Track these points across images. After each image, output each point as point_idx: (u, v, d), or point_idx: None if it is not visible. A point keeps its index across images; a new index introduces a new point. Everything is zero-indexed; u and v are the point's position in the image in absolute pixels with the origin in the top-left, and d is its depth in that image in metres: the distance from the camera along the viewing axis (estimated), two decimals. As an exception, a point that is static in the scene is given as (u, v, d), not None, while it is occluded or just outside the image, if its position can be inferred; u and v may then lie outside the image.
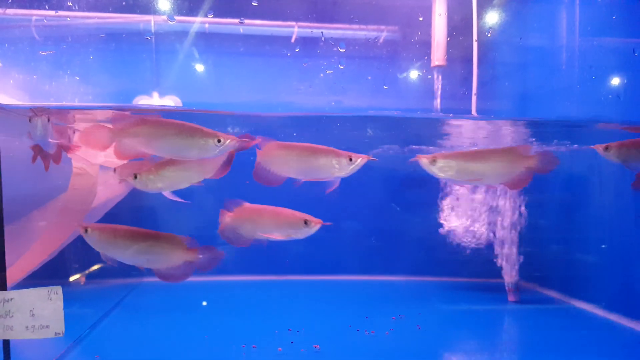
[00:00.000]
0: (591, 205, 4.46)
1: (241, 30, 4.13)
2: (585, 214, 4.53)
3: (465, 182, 2.84)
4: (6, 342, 2.41)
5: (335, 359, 3.05)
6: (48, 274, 3.83)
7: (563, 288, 4.68)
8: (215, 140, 2.53)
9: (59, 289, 2.42)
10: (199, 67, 4.34)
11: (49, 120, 2.66)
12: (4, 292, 2.40)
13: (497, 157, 2.79)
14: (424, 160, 2.73)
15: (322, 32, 3.53)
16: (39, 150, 2.81)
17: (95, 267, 4.55)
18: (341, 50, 3.44)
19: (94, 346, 3.21)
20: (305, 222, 2.72)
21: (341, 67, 3.49)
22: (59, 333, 2.42)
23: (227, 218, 2.80)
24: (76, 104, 3.20)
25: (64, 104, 3.15)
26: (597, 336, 3.68)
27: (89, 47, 3.64)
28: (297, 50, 3.62)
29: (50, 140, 2.72)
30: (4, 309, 2.39)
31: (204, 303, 4.41)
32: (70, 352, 3.07)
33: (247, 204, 2.80)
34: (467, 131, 4.38)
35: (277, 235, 2.76)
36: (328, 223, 2.71)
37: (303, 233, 2.77)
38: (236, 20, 4.16)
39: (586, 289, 4.41)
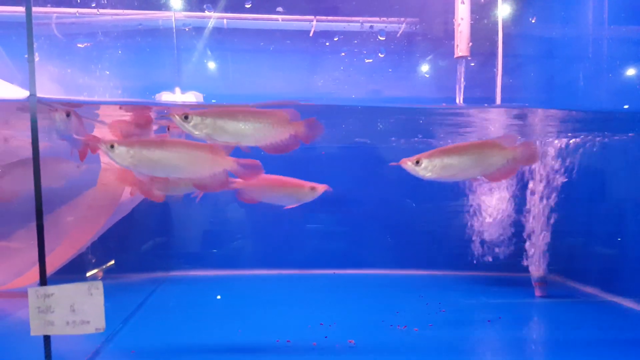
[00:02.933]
0: (623, 197, 4.36)
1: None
2: (615, 206, 4.44)
3: (450, 179, 2.76)
4: (47, 339, 2.40)
5: (372, 355, 3.01)
6: (66, 269, 3.85)
7: (592, 282, 4.60)
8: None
9: (99, 284, 2.41)
10: (223, 63, 4.32)
11: (68, 115, 2.62)
12: (45, 287, 2.39)
13: (479, 150, 2.71)
14: (408, 164, 2.66)
15: (360, 23, 3.48)
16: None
17: (111, 262, 4.59)
18: (381, 38, 3.39)
19: (128, 341, 3.20)
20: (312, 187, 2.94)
21: (381, 56, 3.43)
22: (99, 328, 2.41)
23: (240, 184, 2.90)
24: (107, 99, 3.19)
25: (95, 99, 3.13)
26: (631, 330, 3.61)
27: (117, 41, 3.63)
28: (335, 40, 3.57)
29: (74, 135, 2.69)
30: (45, 305, 2.39)
31: (218, 297, 4.41)
32: (106, 347, 3.06)
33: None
34: (491, 122, 4.31)
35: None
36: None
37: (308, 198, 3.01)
38: (252, 16, 4.14)
39: (617, 282, 4.32)
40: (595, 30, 4.21)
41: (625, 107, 3.79)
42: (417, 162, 2.65)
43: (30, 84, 2.41)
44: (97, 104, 2.97)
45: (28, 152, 2.27)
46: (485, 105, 3.96)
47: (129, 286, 4.67)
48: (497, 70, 4.33)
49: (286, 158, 2.74)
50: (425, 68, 4.94)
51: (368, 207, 5.12)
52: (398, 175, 5.18)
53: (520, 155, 2.71)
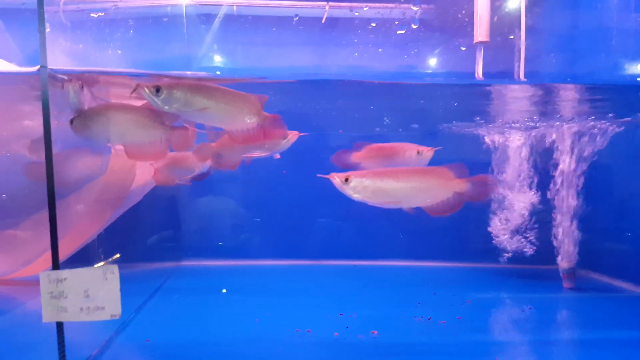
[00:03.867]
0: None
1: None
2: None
3: (383, 205, 2.55)
4: (60, 325, 2.28)
5: (395, 346, 2.88)
6: (74, 259, 3.73)
7: (623, 275, 4.44)
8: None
9: (115, 268, 2.28)
10: (232, 48, 4.19)
11: (82, 87, 2.50)
12: (57, 271, 2.27)
13: (420, 178, 2.47)
14: (336, 179, 2.46)
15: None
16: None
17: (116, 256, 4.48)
18: (414, 8, 3.24)
19: (142, 329, 3.08)
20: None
21: (414, 27, 3.28)
22: (115, 315, 2.28)
23: (213, 147, 2.79)
24: (122, 69, 3.07)
25: (109, 69, 3.01)
26: None
27: (128, 20, 3.51)
28: (356, 14, 3.43)
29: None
30: (58, 290, 2.26)
31: (224, 290, 4.28)
32: (119, 335, 2.95)
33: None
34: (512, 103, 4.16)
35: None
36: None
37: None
38: (263, 2, 4.02)
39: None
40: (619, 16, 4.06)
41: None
42: (346, 180, 2.45)
43: (42, 55, 2.28)
44: (111, 75, 2.85)
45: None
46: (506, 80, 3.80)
47: (140, 275, 4.54)
48: (521, 45, 4.13)
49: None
50: (441, 55, 4.80)
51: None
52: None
53: (468, 190, 2.49)
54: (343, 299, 3.92)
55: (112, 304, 2.30)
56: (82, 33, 2.98)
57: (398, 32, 3.32)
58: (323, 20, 4.25)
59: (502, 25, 4.28)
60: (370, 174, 2.48)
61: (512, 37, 4.21)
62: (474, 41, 4.30)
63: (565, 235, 4.13)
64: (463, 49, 4.54)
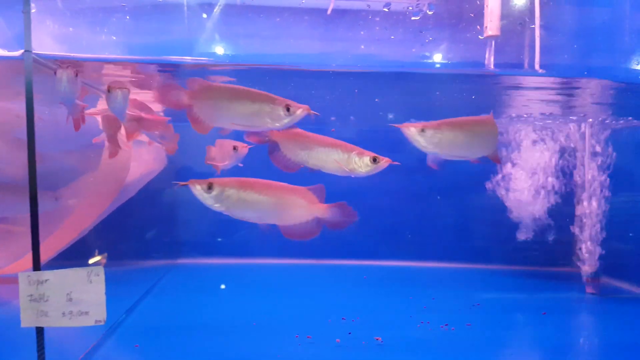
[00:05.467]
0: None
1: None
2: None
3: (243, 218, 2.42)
4: (40, 331, 2.11)
5: (402, 354, 2.70)
6: (67, 254, 3.57)
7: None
8: (284, 108, 2.23)
9: (100, 270, 2.11)
10: (234, 40, 4.02)
11: (76, 75, 2.32)
12: (38, 272, 2.09)
13: (277, 195, 2.34)
14: (197, 189, 2.27)
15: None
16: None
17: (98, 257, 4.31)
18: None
19: (132, 333, 2.91)
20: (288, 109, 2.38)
21: (430, 13, 3.10)
22: (99, 321, 2.12)
23: (186, 97, 2.43)
24: (116, 56, 2.88)
25: (105, 55, 2.83)
26: None
27: (124, 6, 3.32)
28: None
29: (76, 100, 2.39)
30: (38, 292, 2.09)
31: (222, 286, 4.11)
32: (107, 340, 2.77)
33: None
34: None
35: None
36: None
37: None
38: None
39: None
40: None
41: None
42: (209, 188, 2.27)
43: (26, 39, 2.11)
44: (103, 62, 2.67)
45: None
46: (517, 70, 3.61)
47: (134, 274, 4.39)
48: (536, 37, 3.92)
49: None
50: (451, 49, 4.61)
51: (393, 195, 4.79)
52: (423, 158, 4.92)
53: (328, 215, 2.35)
54: (346, 301, 3.75)
55: (96, 308, 2.13)
56: (73, 16, 2.78)
57: (412, 18, 3.12)
58: (328, 12, 4.07)
59: (513, 18, 4.09)
60: (234, 182, 2.31)
61: (523, 29, 4.04)
62: (484, 35, 4.12)
63: (589, 240, 3.95)
64: (481, 37, 4.33)
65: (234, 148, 2.77)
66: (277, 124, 2.28)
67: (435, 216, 4.90)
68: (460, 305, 3.60)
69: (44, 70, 2.42)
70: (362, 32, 3.52)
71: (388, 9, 3.07)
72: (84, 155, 3.75)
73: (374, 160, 2.36)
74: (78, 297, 2.10)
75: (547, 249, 4.22)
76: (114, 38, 3.15)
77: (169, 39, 3.64)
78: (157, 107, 4.03)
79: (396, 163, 2.38)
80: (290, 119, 2.26)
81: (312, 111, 2.27)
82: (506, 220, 4.25)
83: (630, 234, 4.36)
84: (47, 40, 2.62)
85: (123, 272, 4.33)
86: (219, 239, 4.92)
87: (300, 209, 2.35)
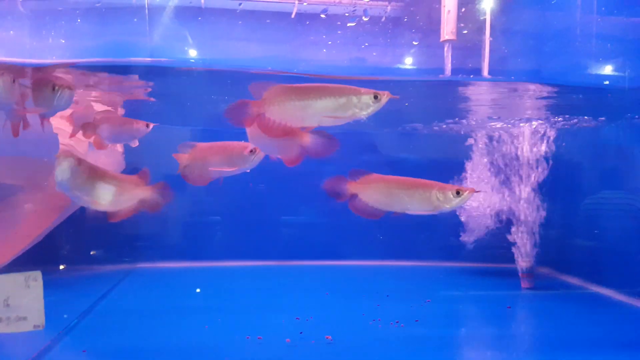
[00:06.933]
0: (613, 187, 4.17)
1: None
2: (603, 196, 4.25)
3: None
4: (-24, 337, 2.09)
5: (350, 352, 2.75)
6: (30, 259, 3.52)
7: (581, 273, 4.42)
8: (372, 96, 2.23)
9: (38, 275, 2.09)
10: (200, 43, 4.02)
11: (13, 81, 2.29)
12: (-27, 278, 2.07)
13: (105, 180, 2.45)
14: None
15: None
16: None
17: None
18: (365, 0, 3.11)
19: (81, 339, 2.89)
20: (251, 151, 2.51)
21: (365, 19, 3.14)
22: (38, 326, 2.10)
23: (183, 159, 2.63)
24: (62, 60, 2.85)
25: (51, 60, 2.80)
26: (619, 322, 3.44)
27: (76, 9, 3.28)
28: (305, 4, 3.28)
29: (14, 105, 2.36)
30: (-26, 298, 2.07)
31: (197, 290, 4.10)
32: (55, 345, 2.74)
33: (200, 144, 2.64)
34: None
35: (227, 168, 2.55)
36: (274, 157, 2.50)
37: (250, 162, 2.55)
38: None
39: (607, 274, 4.13)
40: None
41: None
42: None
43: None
44: (48, 66, 2.65)
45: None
46: (472, 76, 3.70)
47: (92, 278, 4.34)
48: (485, 44, 4.02)
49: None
50: (411, 54, 4.69)
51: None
52: (376, 162, 5.00)
53: (150, 197, 2.49)
54: (303, 301, 3.79)
55: (35, 313, 2.11)
56: (14, 20, 2.75)
57: (348, 24, 3.17)
58: (293, 15, 4.10)
59: (470, 23, 4.18)
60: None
61: (479, 34, 4.13)
62: (441, 39, 4.20)
63: (524, 235, 4.06)
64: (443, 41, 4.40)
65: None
66: (364, 113, 2.28)
67: (390, 216, 4.97)
68: (412, 302, 3.66)
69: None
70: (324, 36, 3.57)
71: (325, 14, 3.11)
72: (37, 160, 3.70)
73: (457, 193, 2.38)
74: (15, 303, 2.08)
75: (492, 247, 4.32)
76: (63, 41, 3.12)
77: (128, 40, 3.61)
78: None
79: (479, 191, 2.38)
80: (377, 106, 2.26)
81: (393, 95, 2.27)
82: (455, 219, 4.34)
83: (568, 228, 4.54)
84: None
85: (80, 277, 4.29)
86: (186, 240, 4.91)
87: (127, 194, 2.48)
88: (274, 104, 2.26)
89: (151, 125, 3.33)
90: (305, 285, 4.36)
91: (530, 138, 4.08)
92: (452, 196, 2.38)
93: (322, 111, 2.28)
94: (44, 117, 2.55)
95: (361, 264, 5.00)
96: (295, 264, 4.93)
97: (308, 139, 2.36)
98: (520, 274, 4.15)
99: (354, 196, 2.52)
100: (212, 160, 2.61)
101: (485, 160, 4.24)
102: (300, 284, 4.39)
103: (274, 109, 2.27)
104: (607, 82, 3.61)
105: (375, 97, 2.25)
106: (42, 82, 2.46)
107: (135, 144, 3.44)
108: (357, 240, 5.00)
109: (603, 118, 4.22)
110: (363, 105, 2.26)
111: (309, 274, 4.74)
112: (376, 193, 2.52)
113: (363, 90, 2.27)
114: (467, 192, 2.38)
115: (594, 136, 4.54)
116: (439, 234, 4.82)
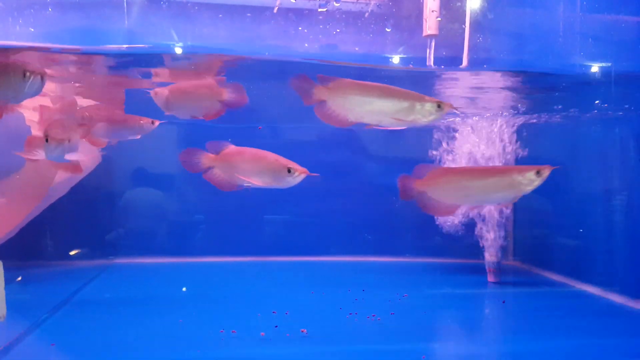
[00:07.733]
0: (586, 182, 4.20)
1: None
2: (581, 192, 4.28)
3: None
4: (-63, 329, 2.03)
5: (325, 344, 2.72)
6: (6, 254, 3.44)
7: (556, 269, 4.47)
8: (435, 105, 2.27)
9: (-1, 266, 2.04)
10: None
11: None
12: None
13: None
14: None
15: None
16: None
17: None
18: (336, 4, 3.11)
19: (51, 332, 2.84)
20: (289, 170, 2.41)
21: (337, 5, 3.12)
22: (0, 317, 2.05)
23: (208, 160, 2.55)
24: (33, 43, 2.79)
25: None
26: (583, 314, 3.50)
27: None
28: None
29: None
30: None
31: (184, 289, 4.05)
32: (23, 339, 2.69)
33: (231, 146, 2.56)
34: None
35: (256, 181, 2.40)
36: (314, 174, 2.44)
37: (285, 182, 2.44)
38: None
39: (578, 268, 4.20)
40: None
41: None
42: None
43: None
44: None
45: None
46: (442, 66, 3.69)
47: (66, 273, 4.27)
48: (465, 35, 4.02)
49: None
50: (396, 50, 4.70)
51: (326, 192, 4.82)
52: (355, 157, 4.99)
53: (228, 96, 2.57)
54: (281, 296, 3.76)
55: (-3, 304, 2.06)
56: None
57: (319, 9, 3.15)
58: (275, 10, 4.06)
59: (451, 19, 4.18)
60: None
61: (459, 28, 4.12)
62: (424, 34, 4.20)
63: (491, 230, 4.08)
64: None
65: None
66: (425, 120, 2.31)
67: (367, 212, 4.98)
68: (390, 297, 3.65)
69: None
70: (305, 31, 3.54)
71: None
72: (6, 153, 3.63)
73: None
74: (-23, 294, 2.03)
75: (465, 242, 4.33)
76: (32, 30, 3.05)
77: (104, 27, 3.54)
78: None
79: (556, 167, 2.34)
80: (438, 115, 2.30)
81: (454, 106, 2.30)
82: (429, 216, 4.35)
83: (538, 224, 4.58)
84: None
85: (54, 272, 4.22)
86: (165, 235, 4.86)
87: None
88: (338, 95, 2.32)
89: (157, 123, 3.28)
90: (285, 280, 4.33)
91: (501, 132, 4.08)
92: (533, 176, 2.29)
93: (383, 111, 2.32)
94: (7, 104, 2.47)
95: (342, 260, 4.98)
96: (275, 259, 4.89)
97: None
98: (487, 269, 4.19)
99: (422, 195, 2.44)
100: (243, 168, 2.55)
101: (451, 156, 4.25)
102: (279, 280, 4.35)
103: (337, 100, 2.32)
104: (589, 73, 3.62)
105: (439, 106, 2.27)
106: (9, 67, 2.39)
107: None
108: (338, 236, 4.99)
109: (575, 110, 4.23)
110: (425, 113, 2.30)
111: (289, 270, 4.71)
112: (448, 188, 2.44)
113: (427, 97, 2.30)
114: (547, 169, 2.27)
115: (572, 131, 4.57)
116: (417, 231, 4.83)
